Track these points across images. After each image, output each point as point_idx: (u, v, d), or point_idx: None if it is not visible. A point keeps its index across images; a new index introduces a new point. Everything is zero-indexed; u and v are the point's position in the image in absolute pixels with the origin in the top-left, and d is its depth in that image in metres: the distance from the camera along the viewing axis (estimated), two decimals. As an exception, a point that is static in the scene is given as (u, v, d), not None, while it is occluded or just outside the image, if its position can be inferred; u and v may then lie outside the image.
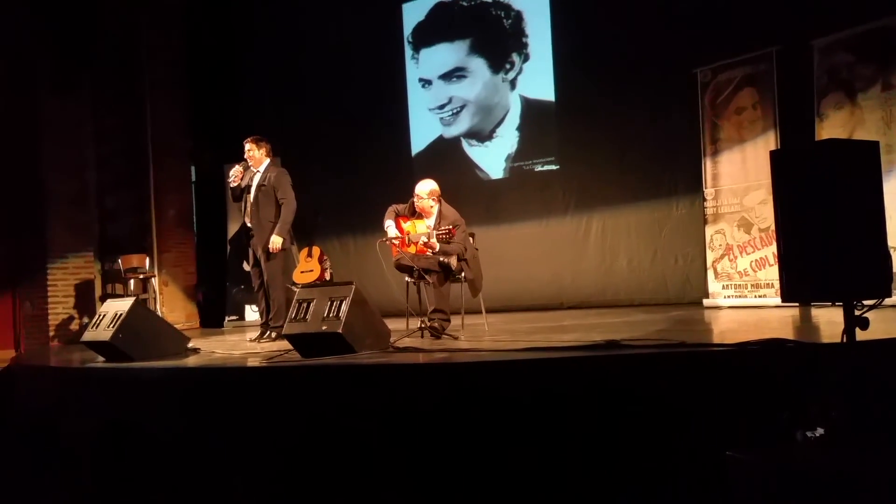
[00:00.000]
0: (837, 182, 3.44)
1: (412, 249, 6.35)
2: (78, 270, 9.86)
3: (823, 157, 3.57)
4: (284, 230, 6.99)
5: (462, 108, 10.08)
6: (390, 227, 6.45)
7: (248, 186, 7.10)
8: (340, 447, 4.44)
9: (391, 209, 6.59)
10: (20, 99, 9.64)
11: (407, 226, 6.49)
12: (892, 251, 3.63)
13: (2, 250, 9.67)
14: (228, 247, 10.94)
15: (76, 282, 9.84)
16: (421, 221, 6.47)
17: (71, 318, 9.73)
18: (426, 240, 6.24)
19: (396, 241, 6.38)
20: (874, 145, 3.69)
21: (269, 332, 7.02)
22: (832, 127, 6.98)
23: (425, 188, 6.46)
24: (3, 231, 9.67)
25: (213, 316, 10.83)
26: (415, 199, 6.49)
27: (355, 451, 4.39)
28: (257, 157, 7.16)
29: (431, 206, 6.45)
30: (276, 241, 6.93)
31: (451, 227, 6.22)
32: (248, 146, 7.18)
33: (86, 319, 9.41)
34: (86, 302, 9.84)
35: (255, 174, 7.13)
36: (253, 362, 5.69)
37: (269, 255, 6.96)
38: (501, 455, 4.04)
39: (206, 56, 11.33)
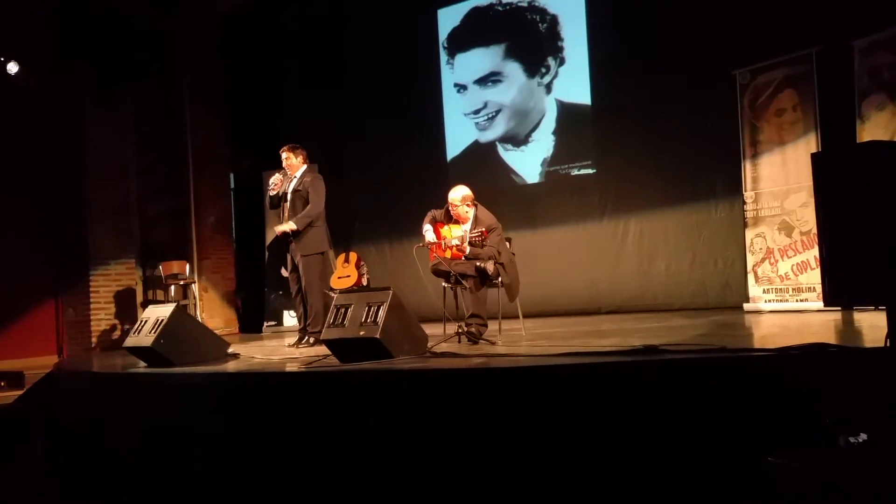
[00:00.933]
0: (880, 184, 3.40)
1: (448, 254, 6.36)
2: (120, 277, 10.02)
3: (865, 160, 3.53)
4: (303, 222, 7.02)
5: (497, 112, 10.08)
6: (428, 231, 6.48)
7: (285, 193, 7.18)
8: (378, 452, 4.46)
9: (429, 215, 6.61)
10: (63, 111, 9.86)
11: (444, 231, 6.50)
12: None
13: (45, 257, 9.86)
14: (267, 253, 11.04)
15: (118, 288, 9.99)
16: (457, 226, 6.49)
17: (113, 325, 9.88)
18: (458, 243, 6.26)
19: (433, 246, 6.40)
20: (917, 146, 3.64)
21: (307, 338, 7.06)
22: (874, 128, 6.88)
23: (458, 195, 6.47)
24: (47, 239, 9.87)
25: (252, 321, 10.93)
26: (450, 208, 6.50)
27: (393, 455, 4.40)
28: (294, 164, 7.24)
29: (467, 212, 6.46)
30: (289, 225, 7.00)
31: (483, 230, 6.22)
32: (284, 154, 7.26)
33: (127, 325, 9.54)
34: (127, 308, 9.99)
35: (292, 180, 7.20)
36: (292, 367, 5.73)
37: (306, 260, 7.02)
38: (540, 460, 4.03)
39: (245, 65, 11.46)
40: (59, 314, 10.03)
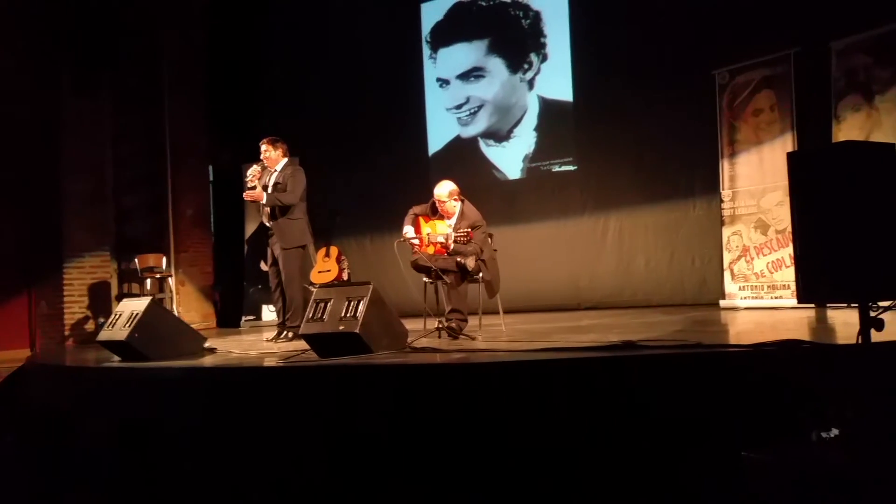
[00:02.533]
0: (854, 184, 3.44)
1: (430, 249, 6.36)
2: (94, 270, 9.89)
3: (840, 159, 3.57)
4: (273, 200, 6.97)
5: (479, 108, 10.09)
6: (409, 232, 6.47)
7: (266, 186, 7.13)
8: (357, 447, 4.45)
9: (411, 212, 6.59)
10: (40, 99, 9.70)
11: (427, 226, 6.50)
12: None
13: (17, 249, 9.68)
14: (246, 246, 10.99)
15: (92, 281, 9.87)
16: (442, 222, 6.48)
17: (86, 318, 9.77)
18: (443, 240, 6.26)
19: (415, 242, 6.40)
20: (891, 147, 3.67)
21: (286, 332, 7.04)
22: (849, 129, 6.95)
23: (444, 191, 6.46)
24: (20, 230, 9.69)
25: (230, 316, 10.87)
26: (436, 203, 6.49)
27: (371, 451, 4.40)
28: (273, 158, 7.19)
29: (454, 207, 6.46)
30: (258, 193, 6.97)
31: (469, 229, 6.23)
32: (263, 147, 7.21)
33: (101, 319, 9.43)
34: (102, 301, 9.87)
35: (272, 174, 7.16)
36: (270, 362, 5.71)
37: (286, 254, 6.99)
38: (518, 455, 4.05)
39: (226, 56, 11.38)
40: (31, 307, 9.89)
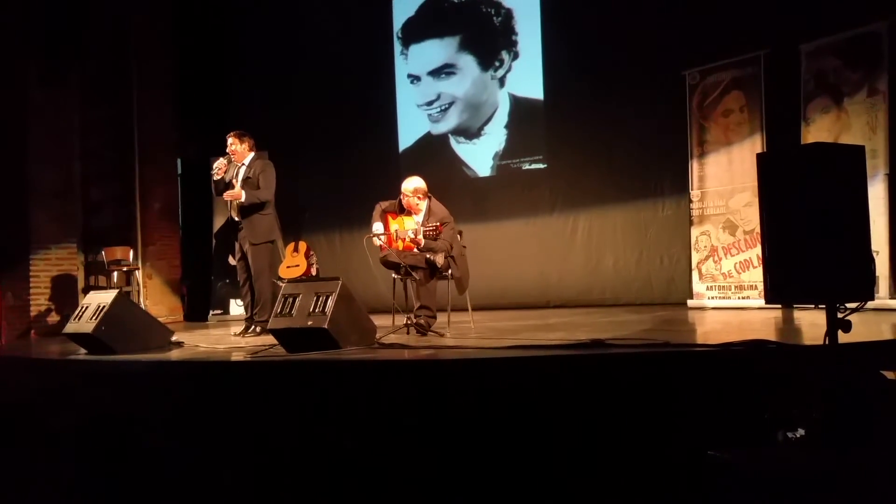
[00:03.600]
0: (823, 185, 3.46)
1: (399, 245, 6.34)
2: (61, 262, 9.77)
3: (809, 161, 3.59)
4: (252, 198, 6.96)
5: (450, 104, 10.08)
6: (378, 228, 6.44)
7: (232, 181, 7.07)
8: (324, 443, 4.43)
9: (378, 208, 6.57)
10: (6, 89, 9.55)
11: (395, 222, 6.48)
12: (875, 255, 3.65)
13: (-18, 240, 9.57)
14: (214, 240, 10.91)
15: (59, 273, 9.73)
16: (409, 218, 6.47)
17: (53, 310, 9.65)
18: (413, 235, 6.24)
19: (383, 239, 6.38)
20: (860, 150, 3.71)
21: (253, 327, 7.00)
22: (818, 131, 7.03)
23: (410, 186, 6.45)
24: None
25: (198, 310, 10.78)
26: (402, 198, 6.48)
27: (339, 446, 4.38)
28: (240, 152, 7.15)
29: (418, 204, 6.44)
30: (237, 193, 6.93)
31: (438, 223, 6.22)
32: (230, 140, 7.16)
33: (67, 311, 9.32)
34: (68, 293, 9.75)
35: (239, 168, 7.10)
36: (237, 357, 5.66)
37: (255, 249, 6.95)
38: (485, 452, 4.05)
39: (195, 50, 11.27)
40: (-3, 298, 9.77)
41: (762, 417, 3.45)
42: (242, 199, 6.93)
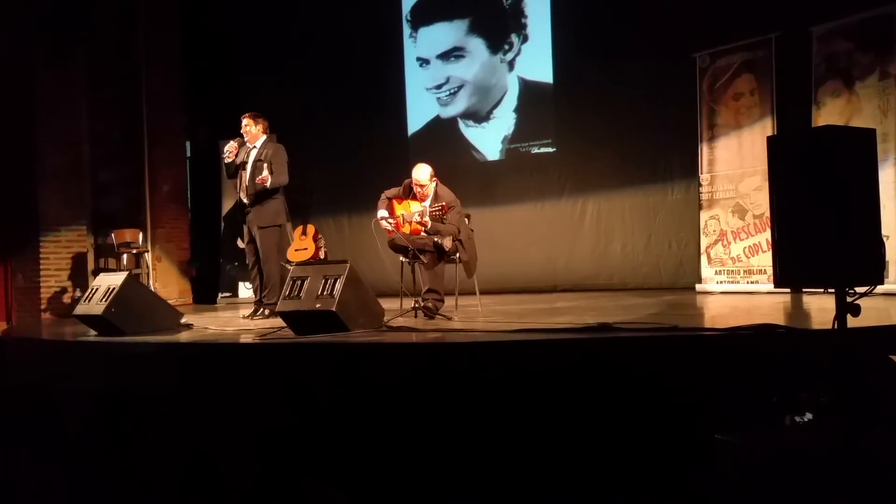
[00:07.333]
0: (833, 169, 3.44)
1: (406, 229, 6.35)
2: (70, 244, 9.82)
3: (820, 144, 3.56)
4: (276, 182, 6.94)
5: (459, 88, 10.04)
6: (383, 214, 6.44)
7: (244, 163, 7.07)
8: (333, 424, 4.45)
9: (383, 197, 6.57)
10: (15, 72, 9.56)
11: (400, 207, 6.48)
12: (885, 239, 3.63)
13: (-8, 222, 9.61)
14: (223, 223, 10.93)
15: (69, 255, 9.79)
16: (416, 202, 6.47)
17: (63, 291, 9.70)
18: (419, 218, 6.25)
19: (392, 223, 6.38)
20: (871, 133, 3.68)
21: (262, 309, 7.02)
22: (829, 114, 6.98)
23: (424, 175, 6.43)
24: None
25: (207, 292, 10.82)
26: (414, 188, 6.46)
27: (347, 428, 4.40)
28: (253, 133, 7.14)
29: (431, 190, 6.45)
30: (266, 177, 6.88)
31: (443, 205, 6.22)
32: (245, 121, 7.15)
33: (78, 293, 9.39)
34: (78, 275, 9.81)
35: (251, 150, 7.10)
36: (246, 339, 5.69)
37: (263, 232, 6.96)
38: (493, 435, 4.06)
39: (203, 32, 11.26)
40: (7, 280, 9.81)
41: (770, 401, 3.45)
42: (268, 185, 6.91)
